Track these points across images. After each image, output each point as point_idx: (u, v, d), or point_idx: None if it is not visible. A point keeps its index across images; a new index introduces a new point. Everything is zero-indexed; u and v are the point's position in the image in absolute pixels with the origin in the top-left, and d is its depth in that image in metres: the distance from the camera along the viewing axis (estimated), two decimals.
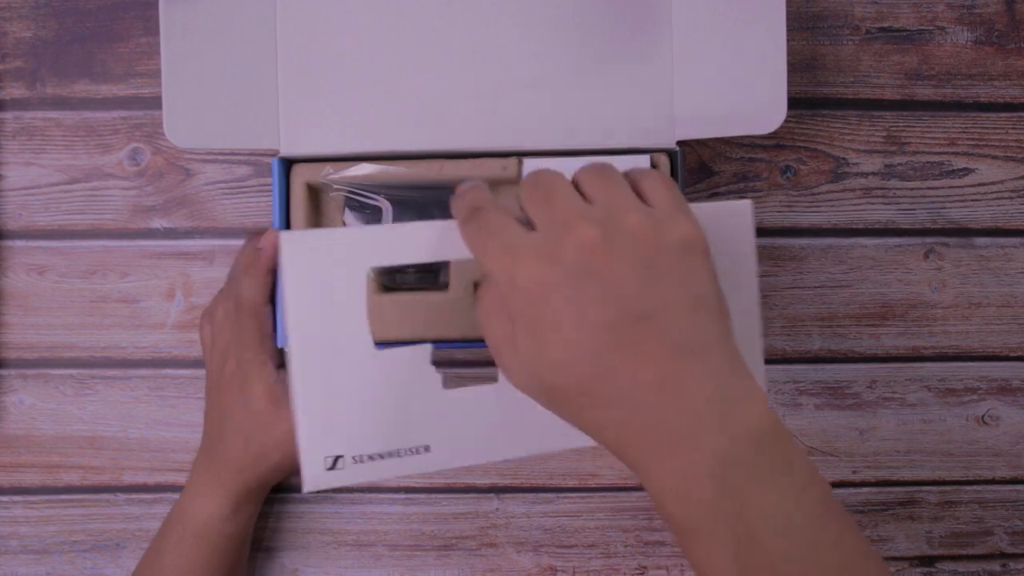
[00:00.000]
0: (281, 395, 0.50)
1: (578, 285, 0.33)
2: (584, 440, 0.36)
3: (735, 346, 0.34)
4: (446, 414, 0.38)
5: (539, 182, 0.36)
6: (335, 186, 0.52)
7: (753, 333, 0.38)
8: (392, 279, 0.53)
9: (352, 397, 0.37)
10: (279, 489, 0.58)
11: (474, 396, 0.38)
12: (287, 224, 0.52)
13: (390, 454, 0.37)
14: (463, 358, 0.58)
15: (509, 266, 0.34)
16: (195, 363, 0.57)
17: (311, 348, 0.36)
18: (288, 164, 0.52)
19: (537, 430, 0.38)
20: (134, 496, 0.57)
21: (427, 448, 0.37)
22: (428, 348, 0.37)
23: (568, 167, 0.51)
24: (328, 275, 0.36)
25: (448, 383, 0.38)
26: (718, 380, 0.33)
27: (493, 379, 0.37)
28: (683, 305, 0.33)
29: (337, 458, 0.37)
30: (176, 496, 0.57)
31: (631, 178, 0.37)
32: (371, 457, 0.37)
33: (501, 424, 0.38)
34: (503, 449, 0.38)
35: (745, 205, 0.38)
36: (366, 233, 0.37)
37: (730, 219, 0.39)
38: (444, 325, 0.52)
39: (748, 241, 0.39)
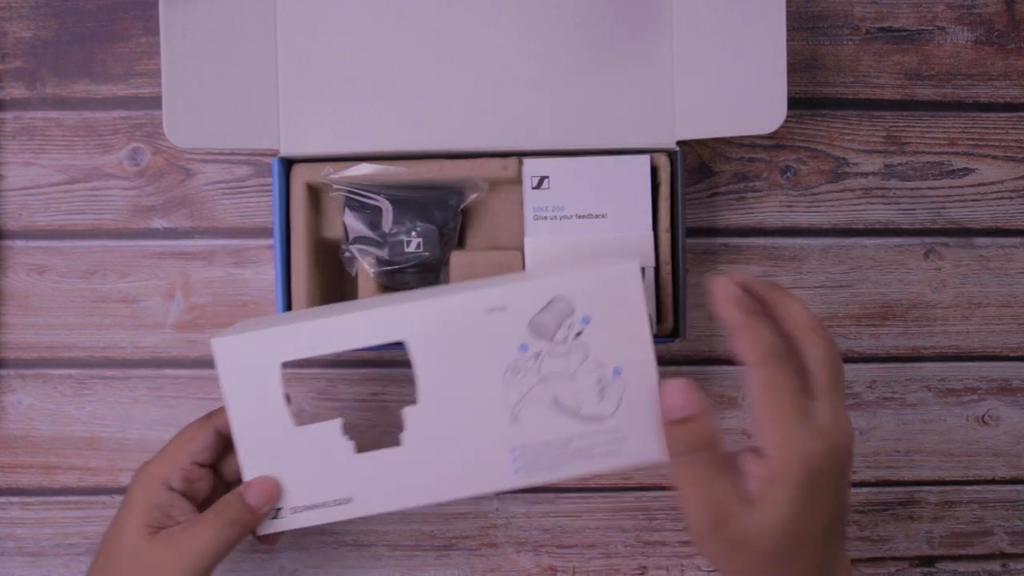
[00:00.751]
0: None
1: (841, 476, 0.41)
2: (482, 488, 0.45)
3: None
4: (361, 472, 0.45)
5: (837, 362, 0.41)
6: (335, 186, 0.52)
7: (651, 381, 0.45)
8: (392, 279, 0.53)
9: (283, 463, 0.45)
10: None
11: (383, 457, 0.45)
12: (287, 224, 0.52)
13: (318, 505, 0.45)
14: None
15: (807, 446, 0.39)
16: (195, 363, 0.57)
17: (247, 429, 0.45)
18: (288, 164, 0.52)
19: (438, 481, 0.45)
20: None
21: (348, 500, 0.45)
22: (339, 421, 0.45)
23: (568, 167, 0.51)
24: (252, 371, 0.44)
25: (359, 448, 0.45)
26: (843, 561, 0.42)
27: (398, 444, 0.45)
28: (846, 509, 0.43)
29: (278, 510, 0.45)
30: None
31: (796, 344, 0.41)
32: (304, 507, 0.45)
33: (408, 477, 0.45)
34: (412, 498, 0.45)
35: (631, 269, 0.44)
36: (283, 333, 0.44)
37: (617, 282, 0.44)
38: None
39: (638, 301, 0.44)
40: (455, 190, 0.53)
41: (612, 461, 0.45)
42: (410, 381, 0.57)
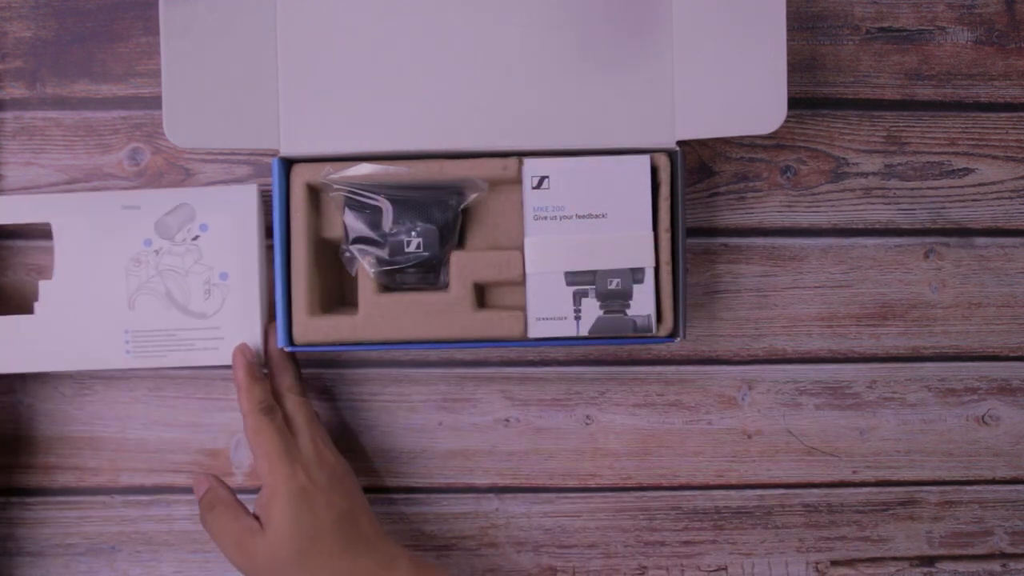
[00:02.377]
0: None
1: (312, 495, 0.50)
2: (99, 364, 0.53)
3: None
4: None
5: None
6: (335, 186, 0.52)
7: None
8: (392, 279, 0.53)
9: None
10: None
11: (16, 323, 0.53)
12: (287, 224, 0.52)
13: None
14: (463, 358, 0.58)
15: None
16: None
17: None
18: (288, 164, 0.52)
19: (63, 351, 0.53)
20: (131, 498, 0.57)
21: None
22: None
23: (568, 167, 0.51)
24: None
25: None
26: (389, 539, 0.52)
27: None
28: (361, 507, 0.52)
29: None
30: (174, 497, 0.57)
31: None
32: None
33: (38, 344, 0.53)
34: (40, 363, 0.54)
35: (250, 190, 0.53)
36: None
37: (235, 198, 0.53)
38: (444, 325, 0.52)
39: (252, 217, 0.53)
40: (455, 190, 0.53)
41: (211, 357, 0.53)
42: (410, 381, 0.58)
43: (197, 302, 0.53)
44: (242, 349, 0.52)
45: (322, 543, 0.49)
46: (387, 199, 0.52)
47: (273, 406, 0.51)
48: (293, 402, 0.52)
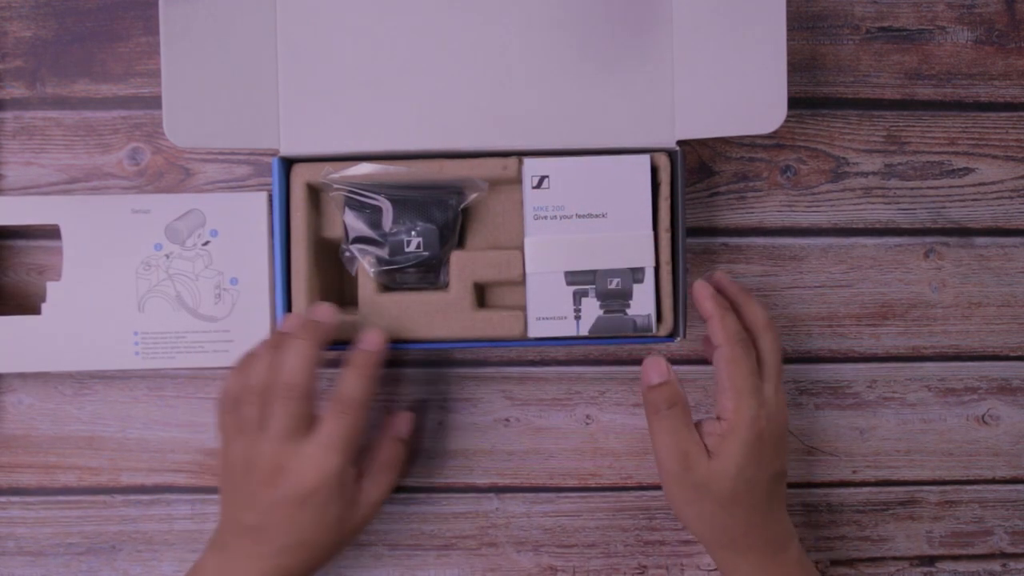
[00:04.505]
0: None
1: (777, 445, 0.51)
2: (109, 364, 0.54)
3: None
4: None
5: (778, 351, 0.51)
6: (335, 186, 0.52)
7: None
8: (392, 279, 0.53)
9: None
10: None
11: (23, 323, 0.53)
12: (287, 224, 0.52)
13: None
14: (463, 358, 0.58)
15: (758, 412, 0.49)
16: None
17: None
18: (288, 164, 0.52)
19: (72, 352, 0.53)
20: (131, 497, 0.57)
21: None
22: None
23: (568, 167, 0.51)
24: None
25: None
26: (786, 511, 0.53)
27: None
28: (785, 472, 0.52)
29: None
30: (175, 497, 0.57)
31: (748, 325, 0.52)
32: None
33: (45, 344, 0.53)
34: (48, 363, 0.54)
35: (258, 198, 0.54)
36: None
37: (245, 206, 0.54)
38: (444, 325, 0.52)
39: (261, 224, 0.54)
40: (455, 190, 0.53)
41: (220, 359, 0.54)
42: (410, 381, 0.58)
43: (207, 306, 0.54)
44: (718, 278, 0.52)
45: (753, 495, 0.49)
46: (387, 199, 0.52)
47: (748, 339, 0.50)
48: (770, 340, 0.51)
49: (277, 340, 0.49)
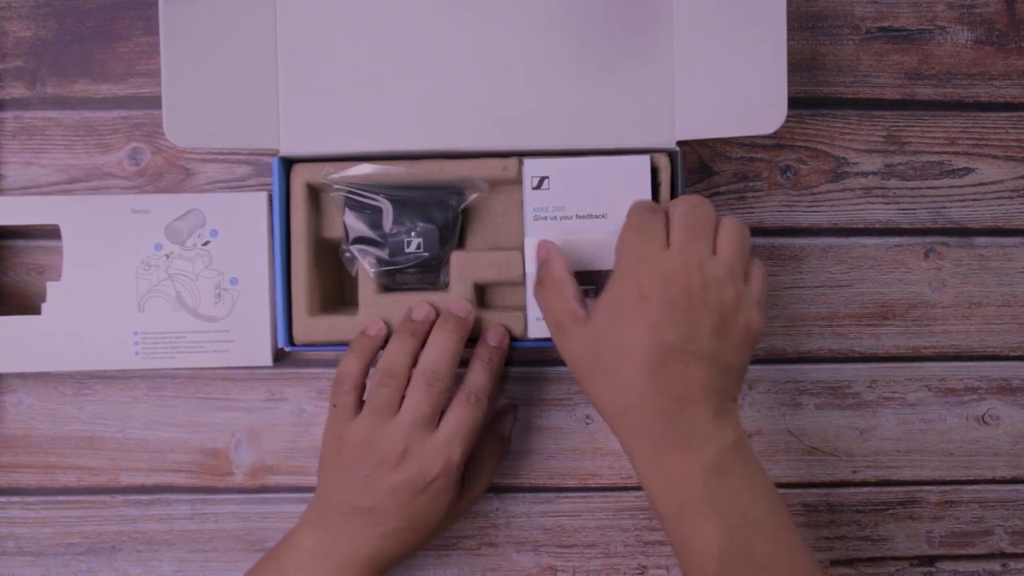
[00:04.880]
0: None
1: (670, 309, 0.43)
2: (109, 364, 0.54)
3: (737, 390, 0.46)
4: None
5: (692, 218, 0.45)
6: (335, 186, 0.52)
7: None
8: (393, 280, 0.53)
9: None
10: (278, 489, 0.57)
11: (24, 323, 0.53)
12: (287, 224, 0.52)
13: None
14: (463, 358, 0.58)
15: (638, 265, 0.45)
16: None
17: None
18: (288, 164, 0.52)
19: (72, 352, 0.53)
20: (131, 497, 0.57)
21: None
22: None
23: (568, 167, 0.51)
24: None
25: None
26: (719, 408, 0.44)
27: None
28: (724, 361, 0.44)
29: None
30: (174, 496, 0.57)
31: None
32: None
33: (45, 344, 0.54)
34: (48, 363, 0.54)
35: (258, 198, 0.54)
36: None
37: (245, 206, 0.54)
38: None
39: (261, 225, 0.54)
40: (455, 190, 0.53)
41: (220, 359, 0.54)
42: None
43: (207, 306, 0.54)
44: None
45: (624, 367, 0.44)
46: (387, 199, 0.52)
47: (651, 209, 0.47)
48: (681, 203, 0.46)
49: (413, 328, 0.51)
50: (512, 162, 0.52)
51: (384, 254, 0.52)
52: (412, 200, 0.52)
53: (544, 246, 0.50)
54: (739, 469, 0.44)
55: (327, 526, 0.50)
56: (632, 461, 0.46)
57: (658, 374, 0.43)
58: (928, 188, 0.58)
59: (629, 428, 0.45)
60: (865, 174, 0.58)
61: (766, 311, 0.46)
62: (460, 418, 0.50)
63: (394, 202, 0.52)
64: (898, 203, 0.58)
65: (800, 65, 0.58)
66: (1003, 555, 0.60)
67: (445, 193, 0.53)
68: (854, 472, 0.59)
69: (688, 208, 0.46)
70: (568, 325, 0.47)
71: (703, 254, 0.44)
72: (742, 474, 0.44)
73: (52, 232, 0.55)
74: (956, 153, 0.58)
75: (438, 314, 0.51)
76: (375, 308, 0.52)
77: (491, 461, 0.54)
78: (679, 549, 0.45)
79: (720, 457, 0.44)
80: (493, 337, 0.52)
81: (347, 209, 0.52)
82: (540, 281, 0.49)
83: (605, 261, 0.51)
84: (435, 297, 0.52)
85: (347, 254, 0.53)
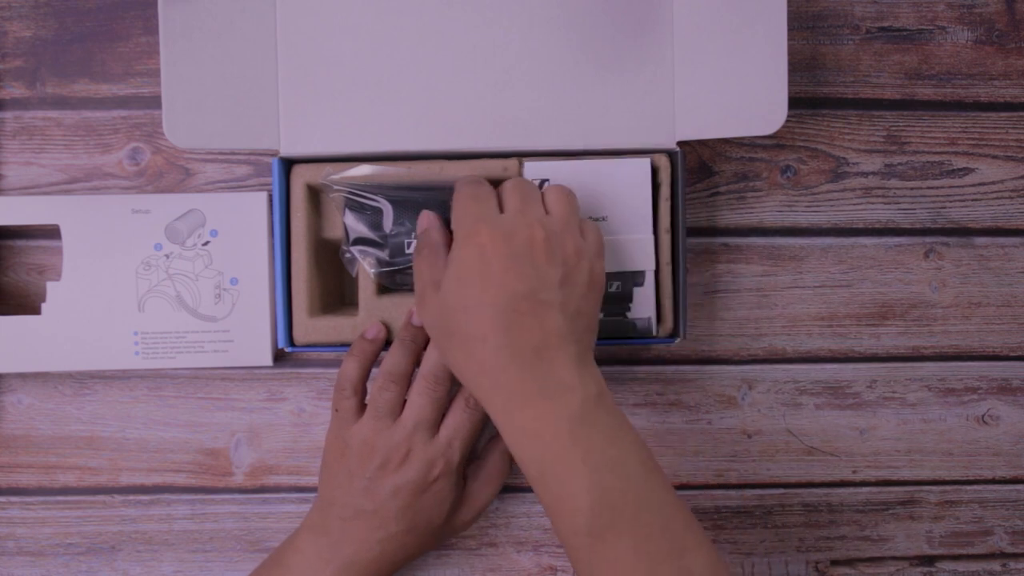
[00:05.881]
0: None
1: (515, 263, 0.43)
2: (109, 364, 0.53)
3: (591, 342, 0.47)
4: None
5: (521, 187, 0.47)
6: (335, 187, 0.51)
7: None
8: (393, 280, 0.53)
9: None
10: (277, 489, 0.57)
11: (24, 323, 0.53)
12: (287, 224, 0.52)
13: None
14: None
15: (477, 227, 0.45)
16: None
17: None
18: (288, 164, 0.52)
19: (72, 352, 0.53)
20: (131, 497, 0.57)
21: None
22: None
23: (568, 169, 0.51)
24: None
25: None
26: (579, 357, 0.44)
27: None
28: (576, 309, 0.45)
29: None
30: (174, 497, 0.57)
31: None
32: None
33: (45, 344, 0.53)
34: (48, 363, 0.54)
35: (259, 197, 0.54)
36: None
37: (246, 206, 0.54)
38: None
39: (261, 225, 0.54)
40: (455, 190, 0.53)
41: (220, 359, 0.54)
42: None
43: (207, 306, 0.54)
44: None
45: (475, 324, 0.44)
46: (387, 200, 0.52)
47: (479, 180, 0.49)
48: (512, 178, 0.49)
49: (414, 333, 0.51)
50: (512, 163, 0.52)
51: (384, 255, 0.52)
52: (412, 201, 0.52)
53: (427, 216, 0.50)
54: (605, 420, 0.43)
55: (329, 530, 0.50)
56: (496, 423, 0.45)
57: (511, 328, 0.43)
58: (928, 188, 0.58)
59: (489, 388, 0.44)
60: (865, 174, 0.58)
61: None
62: (459, 421, 0.51)
63: (394, 203, 0.52)
64: (898, 203, 0.58)
65: (800, 65, 0.58)
66: (1003, 555, 0.60)
67: (445, 193, 0.53)
68: (854, 472, 0.59)
69: (515, 181, 0.48)
70: (428, 293, 0.47)
71: (538, 213, 0.46)
72: (609, 425, 0.43)
73: (52, 232, 0.55)
74: (956, 153, 0.58)
75: None
76: (375, 309, 0.52)
77: (494, 477, 0.54)
78: (549, 508, 0.44)
79: (586, 407, 0.43)
80: None
81: (347, 210, 0.52)
82: (418, 249, 0.49)
83: (606, 263, 0.51)
84: None
85: (347, 255, 0.53)
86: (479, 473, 0.54)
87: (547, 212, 0.47)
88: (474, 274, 0.44)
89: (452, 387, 0.50)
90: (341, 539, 0.50)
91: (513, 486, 0.58)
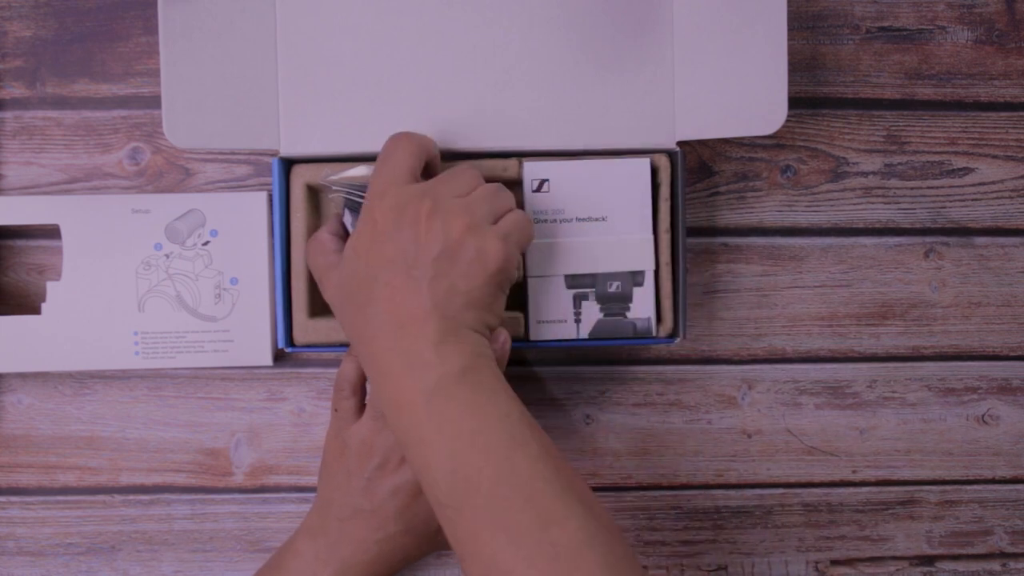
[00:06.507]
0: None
1: (395, 235, 0.44)
2: (109, 364, 0.54)
3: (474, 319, 0.45)
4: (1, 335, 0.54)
5: (460, 171, 0.47)
6: (334, 188, 0.51)
7: None
8: None
9: None
10: (277, 489, 0.57)
11: (25, 322, 0.53)
12: (287, 224, 0.52)
13: None
14: None
15: (380, 202, 0.46)
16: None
17: None
18: (288, 164, 0.52)
19: (72, 352, 0.54)
20: (131, 497, 0.57)
21: None
22: None
23: (568, 170, 0.51)
24: None
25: None
26: (444, 334, 0.43)
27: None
28: (449, 285, 0.44)
29: None
30: (174, 497, 0.57)
31: None
32: None
33: (45, 344, 0.53)
34: (47, 363, 0.54)
35: (259, 198, 0.54)
36: None
37: (245, 206, 0.54)
38: None
39: (261, 225, 0.54)
40: None
41: (220, 359, 0.54)
42: None
43: (207, 305, 0.54)
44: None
45: (363, 288, 0.45)
46: None
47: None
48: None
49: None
50: (512, 163, 0.52)
51: None
52: None
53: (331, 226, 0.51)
54: (466, 394, 0.43)
55: (327, 531, 0.50)
56: (372, 393, 0.47)
57: (383, 300, 0.44)
58: (928, 188, 0.58)
59: (366, 357, 0.45)
60: (865, 174, 0.58)
61: (515, 250, 0.46)
62: None
63: None
64: (898, 203, 0.58)
65: (800, 65, 0.58)
66: (1003, 555, 0.60)
67: None
68: (854, 472, 0.59)
69: (456, 167, 0.48)
70: (327, 275, 0.48)
71: (442, 192, 0.45)
72: (470, 399, 0.43)
73: (52, 232, 0.55)
74: (956, 153, 0.58)
75: None
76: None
77: None
78: (419, 481, 0.44)
79: (443, 382, 0.43)
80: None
81: (346, 210, 0.52)
82: (307, 248, 0.50)
83: (605, 264, 0.51)
84: None
85: None
86: None
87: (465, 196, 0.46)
88: (365, 246, 0.45)
89: None
90: (339, 540, 0.50)
91: None
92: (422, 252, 0.44)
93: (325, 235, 0.49)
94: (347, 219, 0.52)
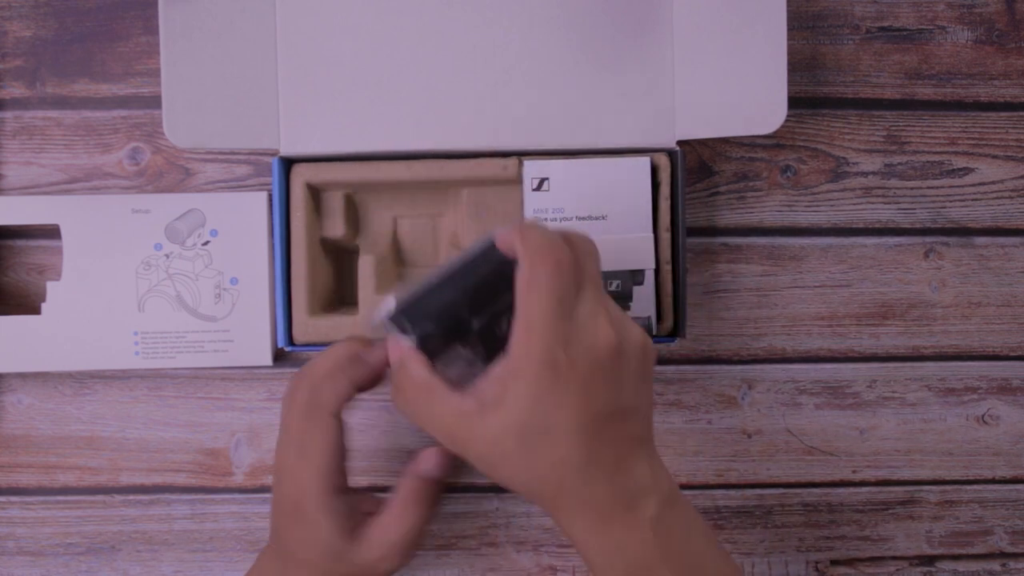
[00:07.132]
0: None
1: (601, 373, 0.40)
2: (109, 364, 0.54)
3: (651, 434, 0.44)
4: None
5: (593, 257, 0.43)
6: (334, 188, 0.52)
7: None
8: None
9: None
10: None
11: (25, 322, 0.53)
12: (287, 224, 0.52)
13: None
14: None
15: (553, 338, 0.39)
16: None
17: None
18: (288, 164, 0.52)
19: (72, 352, 0.54)
20: (131, 497, 0.57)
21: None
22: None
23: (568, 169, 0.51)
24: None
25: None
26: (651, 454, 0.43)
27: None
28: (646, 407, 0.43)
29: None
30: (174, 497, 0.57)
31: None
32: None
33: (45, 345, 0.54)
34: (48, 363, 0.54)
35: (259, 198, 0.54)
36: None
37: (245, 206, 0.54)
38: None
39: (261, 225, 0.54)
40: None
41: (220, 359, 0.54)
42: None
43: (207, 305, 0.54)
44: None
45: (560, 445, 0.40)
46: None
47: (555, 246, 0.40)
48: (581, 243, 0.42)
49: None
50: (512, 162, 0.52)
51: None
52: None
53: (396, 346, 0.43)
54: (681, 515, 0.42)
55: (284, 560, 0.48)
56: (574, 539, 0.42)
57: (593, 443, 0.40)
58: (928, 188, 0.58)
59: (569, 506, 0.41)
60: (865, 174, 0.58)
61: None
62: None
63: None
64: (898, 203, 0.58)
65: (800, 65, 0.58)
66: (1003, 555, 0.60)
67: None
68: (854, 472, 0.59)
69: (590, 248, 0.43)
70: (464, 427, 0.40)
71: (608, 305, 0.41)
72: (685, 519, 0.43)
73: (52, 232, 0.55)
74: (956, 153, 0.58)
75: None
76: (375, 308, 0.52)
77: (407, 506, 0.48)
78: None
79: (662, 509, 0.41)
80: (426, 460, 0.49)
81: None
82: (400, 389, 0.43)
83: (605, 263, 0.51)
84: None
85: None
86: (388, 506, 0.47)
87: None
88: (551, 392, 0.39)
89: None
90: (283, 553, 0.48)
91: None
92: (624, 383, 0.41)
93: (428, 375, 0.41)
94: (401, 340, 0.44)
